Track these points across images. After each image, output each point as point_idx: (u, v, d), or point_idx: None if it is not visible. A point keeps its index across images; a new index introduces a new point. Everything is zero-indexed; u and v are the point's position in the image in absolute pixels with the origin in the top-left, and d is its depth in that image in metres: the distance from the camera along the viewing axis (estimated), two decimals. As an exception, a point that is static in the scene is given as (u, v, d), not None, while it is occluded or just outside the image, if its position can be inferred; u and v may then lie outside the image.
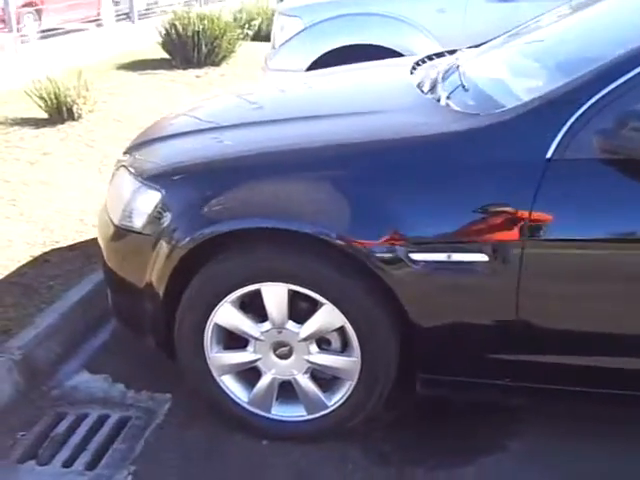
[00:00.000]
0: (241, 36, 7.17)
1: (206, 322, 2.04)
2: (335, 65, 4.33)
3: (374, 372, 2.00)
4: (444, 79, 2.36)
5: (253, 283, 1.96)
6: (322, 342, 2.05)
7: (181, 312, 2.05)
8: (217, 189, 1.95)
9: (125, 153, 2.42)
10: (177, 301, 2.06)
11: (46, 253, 3.13)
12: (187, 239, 1.95)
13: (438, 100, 2.12)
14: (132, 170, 2.19)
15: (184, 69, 6.69)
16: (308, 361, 2.05)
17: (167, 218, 2.01)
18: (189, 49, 6.66)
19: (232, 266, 1.97)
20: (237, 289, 1.98)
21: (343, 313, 1.93)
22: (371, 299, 1.91)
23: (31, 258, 3.07)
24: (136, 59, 7.25)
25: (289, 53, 4.48)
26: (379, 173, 1.83)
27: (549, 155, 1.74)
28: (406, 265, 1.82)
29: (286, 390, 2.12)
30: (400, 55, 4.28)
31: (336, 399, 2.07)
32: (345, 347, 2.03)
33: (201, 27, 6.56)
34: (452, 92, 2.18)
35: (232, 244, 1.95)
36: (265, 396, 2.12)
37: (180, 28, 6.59)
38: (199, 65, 6.76)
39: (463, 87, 2.19)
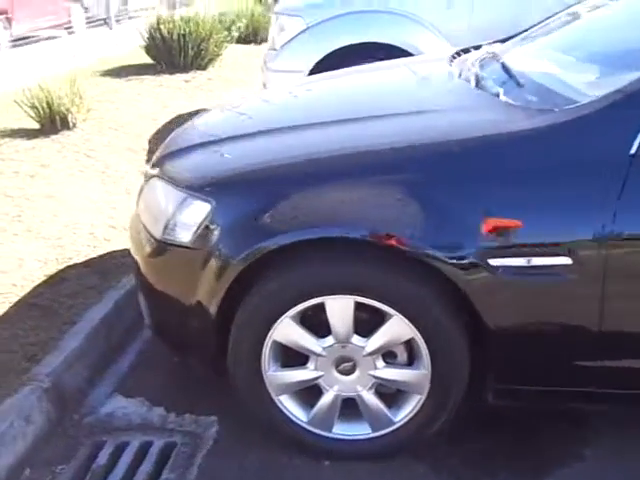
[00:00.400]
0: (228, 38, 7.02)
1: (264, 339, 1.92)
2: (340, 65, 4.26)
3: (446, 384, 1.91)
4: (489, 74, 2.28)
5: (316, 297, 1.85)
6: (387, 355, 1.95)
7: (236, 330, 1.93)
8: (278, 198, 1.83)
9: (155, 165, 2.29)
10: (229, 318, 1.95)
11: (61, 271, 2.97)
12: (246, 253, 1.83)
13: (496, 96, 2.03)
14: (174, 181, 2.06)
15: (170, 74, 6.52)
16: (374, 376, 1.95)
17: (220, 231, 1.89)
18: (175, 53, 6.49)
19: (294, 279, 1.86)
20: (298, 303, 1.87)
21: (413, 324, 1.84)
22: (443, 308, 1.82)
23: (46, 277, 2.91)
24: (118, 65, 7.05)
25: (291, 54, 4.36)
26: (457, 175, 1.74)
27: (633, 150, 1.67)
28: (484, 271, 1.73)
29: (347, 407, 2.02)
30: (408, 54, 4.21)
31: (403, 414, 1.97)
32: (412, 359, 1.94)
33: (187, 30, 6.40)
34: (505, 87, 2.10)
35: (292, 256, 1.83)
36: (326, 415, 2.01)
37: (165, 32, 6.42)
38: (185, 69, 6.60)
39: (517, 82, 2.11)
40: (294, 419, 2.02)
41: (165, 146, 2.39)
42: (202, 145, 2.19)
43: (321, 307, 1.88)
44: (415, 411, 1.96)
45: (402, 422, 1.98)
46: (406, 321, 1.84)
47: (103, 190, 3.78)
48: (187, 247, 1.96)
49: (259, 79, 5.09)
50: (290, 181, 1.86)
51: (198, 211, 1.94)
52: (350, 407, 2.02)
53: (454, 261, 1.74)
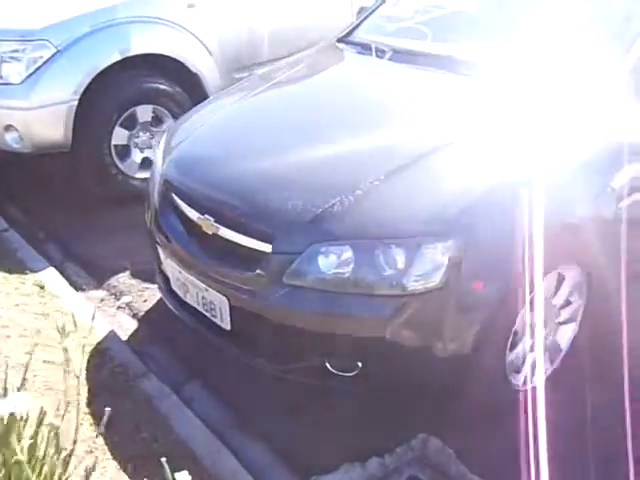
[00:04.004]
0: None
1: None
2: (111, 85, 4.01)
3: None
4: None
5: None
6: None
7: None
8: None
9: (319, 228, 2.23)
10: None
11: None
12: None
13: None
14: (383, 234, 2.16)
15: None
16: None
17: (477, 260, 2.14)
18: None
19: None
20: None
21: None
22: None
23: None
24: None
25: (51, 84, 3.77)
26: None
27: None
28: None
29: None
30: (177, 62, 4.18)
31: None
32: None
33: None
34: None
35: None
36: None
37: None
38: None
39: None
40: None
41: (298, 209, 2.28)
42: (365, 193, 2.24)
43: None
44: None
45: None
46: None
47: None
48: (438, 289, 2.13)
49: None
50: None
51: (442, 251, 2.12)
52: None
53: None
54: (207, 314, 2.53)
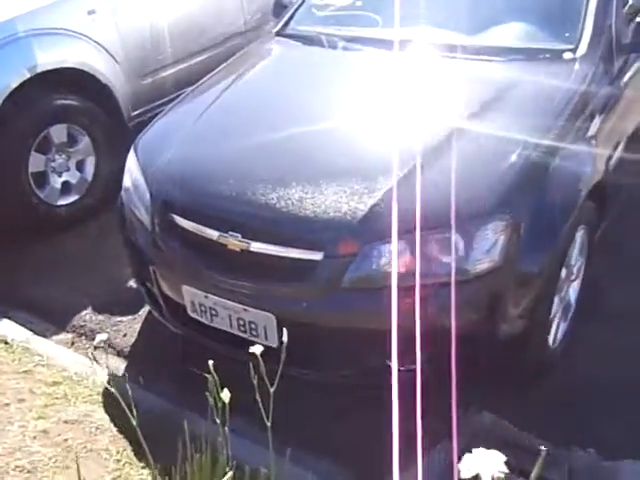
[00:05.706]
0: None
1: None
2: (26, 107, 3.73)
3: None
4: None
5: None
6: None
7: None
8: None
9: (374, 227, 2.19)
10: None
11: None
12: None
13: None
14: (441, 222, 2.13)
15: None
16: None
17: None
18: None
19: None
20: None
21: None
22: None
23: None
24: None
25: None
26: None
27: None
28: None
29: None
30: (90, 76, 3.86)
31: None
32: None
33: None
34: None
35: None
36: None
37: None
38: None
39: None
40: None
41: (342, 212, 2.22)
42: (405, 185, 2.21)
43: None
44: None
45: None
46: None
47: None
48: (497, 269, 2.18)
49: None
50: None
51: (496, 230, 2.18)
52: None
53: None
54: (244, 335, 2.41)
